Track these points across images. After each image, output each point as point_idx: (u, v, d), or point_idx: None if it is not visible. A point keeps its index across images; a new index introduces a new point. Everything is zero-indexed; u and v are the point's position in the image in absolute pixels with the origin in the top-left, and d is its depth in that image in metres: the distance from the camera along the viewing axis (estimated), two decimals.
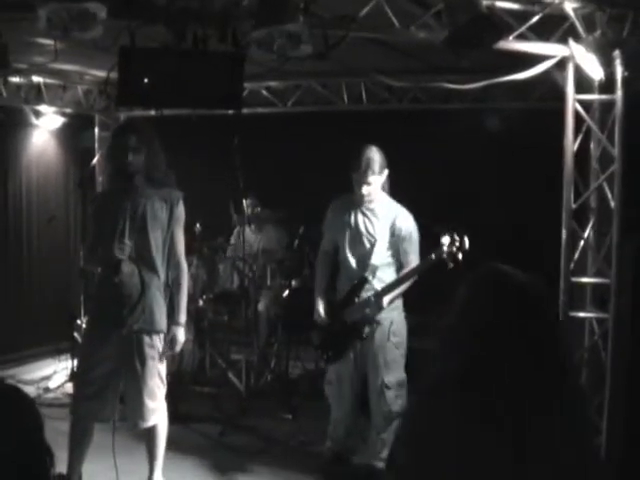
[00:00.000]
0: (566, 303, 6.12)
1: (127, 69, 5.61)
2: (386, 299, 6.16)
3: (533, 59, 6.19)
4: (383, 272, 6.24)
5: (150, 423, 5.79)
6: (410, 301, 6.45)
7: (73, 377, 8.60)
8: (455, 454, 2.32)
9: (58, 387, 8.93)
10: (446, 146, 8.99)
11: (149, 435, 5.91)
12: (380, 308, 6.16)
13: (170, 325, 5.78)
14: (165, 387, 5.87)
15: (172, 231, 5.76)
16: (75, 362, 8.50)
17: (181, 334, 5.81)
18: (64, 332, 9.50)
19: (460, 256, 5.89)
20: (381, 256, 6.22)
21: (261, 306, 9.02)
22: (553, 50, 5.99)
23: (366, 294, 6.25)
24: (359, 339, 6.27)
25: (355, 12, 5.67)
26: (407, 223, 6.23)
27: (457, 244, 5.91)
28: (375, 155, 6.12)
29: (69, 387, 8.56)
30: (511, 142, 8.92)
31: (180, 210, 5.79)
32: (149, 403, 5.72)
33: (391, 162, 6.25)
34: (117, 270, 5.57)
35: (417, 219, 6.33)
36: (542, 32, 5.89)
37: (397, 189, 6.40)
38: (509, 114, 8.81)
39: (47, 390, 8.84)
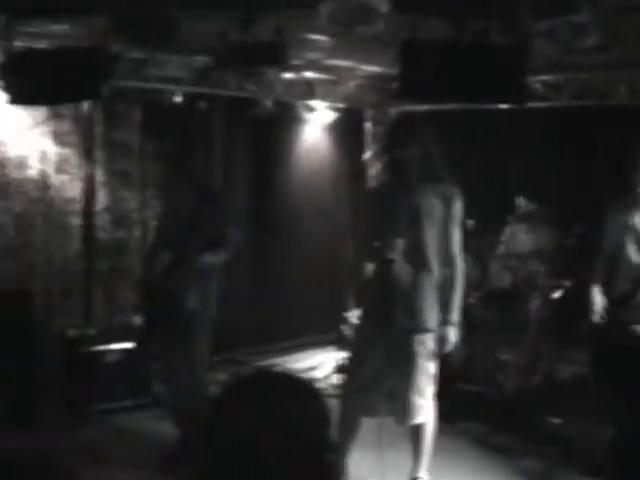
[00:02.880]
0: None
1: (408, 63, 5.59)
2: None
3: None
4: None
5: (417, 420, 5.76)
6: None
7: (340, 369, 8.73)
8: None
9: (325, 377, 9.09)
10: None
11: (416, 432, 5.88)
12: None
13: (442, 324, 5.66)
14: (434, 386, 5.80)
15: (448, 228, 5.64)
16: (342, 354, 8.62)
17: (452, 334, 5.64)
18: (333, 323, 9.68)
19: None
20: None
21: (532, 306, 8.81)
22: None
23: None
24: None
25: None
26: None
27: None
28: None
29: (335, 378, 8.68)
30: None
31: (457, 207, 5.65)
32: (417, 400, 5.69)
33: None
34: (389, 269, 5.55)
35: None
36: None
37: None
38: None
39: (314, 380, 9.00)
